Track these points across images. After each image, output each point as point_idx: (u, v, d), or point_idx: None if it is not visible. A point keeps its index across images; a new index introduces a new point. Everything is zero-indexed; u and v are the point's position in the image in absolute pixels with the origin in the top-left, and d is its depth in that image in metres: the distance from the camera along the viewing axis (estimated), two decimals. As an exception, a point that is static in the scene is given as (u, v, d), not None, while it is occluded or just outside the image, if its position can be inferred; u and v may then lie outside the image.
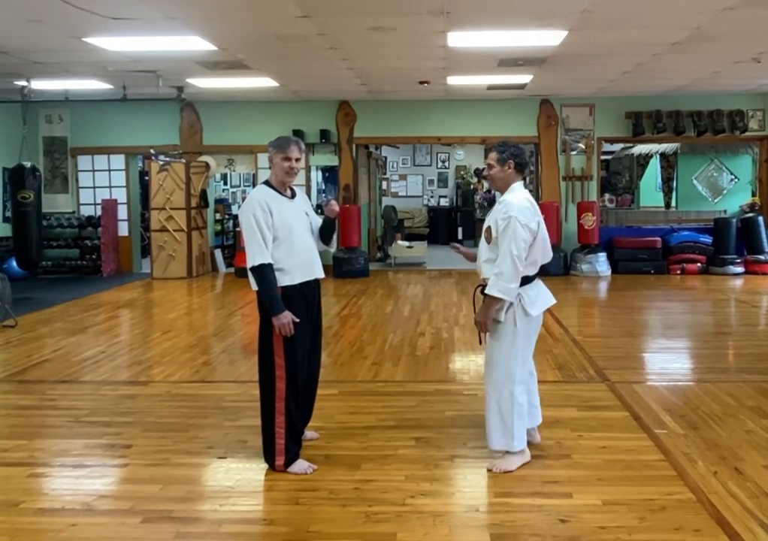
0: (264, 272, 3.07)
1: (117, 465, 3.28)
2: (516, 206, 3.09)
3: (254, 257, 3.08)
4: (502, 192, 3.24)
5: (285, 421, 3.11)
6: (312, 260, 3.27)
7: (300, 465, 3.14)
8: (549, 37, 6.23)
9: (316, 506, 2.82)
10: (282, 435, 3.10)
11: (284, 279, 3.12)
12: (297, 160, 3.20)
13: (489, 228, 3.17)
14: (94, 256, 10.27)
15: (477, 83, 8.81)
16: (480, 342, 3.36)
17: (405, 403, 4.14)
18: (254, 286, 3.17)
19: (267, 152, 3.29)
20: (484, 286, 3.19)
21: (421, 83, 8.69)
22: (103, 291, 8.85)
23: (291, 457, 3.13)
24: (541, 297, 3.22)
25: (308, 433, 3.49)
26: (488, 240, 3.16)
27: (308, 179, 10.48)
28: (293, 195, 3.28)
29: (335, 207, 3.34)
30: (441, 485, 3.02)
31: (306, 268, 3.22)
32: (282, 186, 3.23)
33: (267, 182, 3.26)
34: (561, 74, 8.11)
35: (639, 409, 3.96)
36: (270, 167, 3.26)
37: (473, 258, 3.47)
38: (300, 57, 7.03)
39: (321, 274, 3.32)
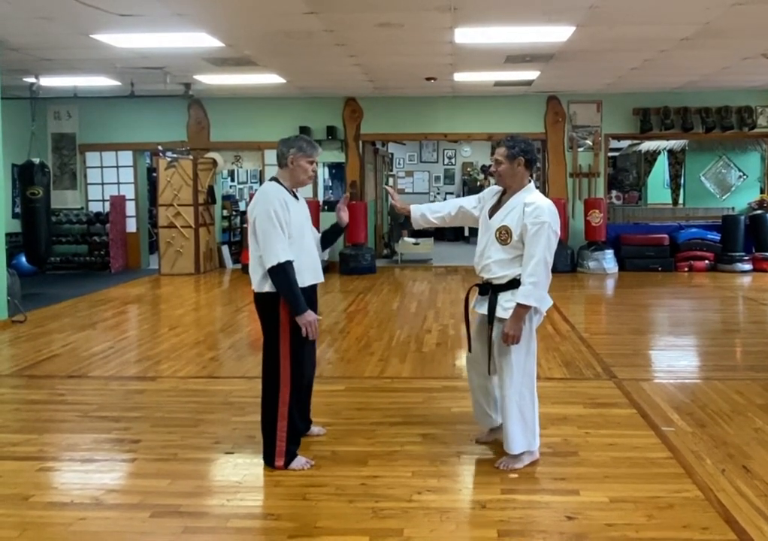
0: (288, 270, 2.94)
1: (126, 460, 3.30)
2: (548, 211, 2.99)
3: (277, 254, 2.93)
4: (510, 190, 3.12)
5: (287, 425, 3.09)
6: (318, 263, 3.24)
7: (299, 461, 3.15)
8: (557, 33, 6.21)
9: (323, 502, 2.82)
10: (283, 438, 3.09)
11: (303, 280, 3.05)
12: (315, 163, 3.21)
13: (507, 228, 3.02)
14: (102, 252, 10.32)
15: (484, 80, 8.79)
16: (470, 349, 3.29)
17: (412, 399, 4.15)
18: (257, 287, 3.05)
19: (274, 149, 3.26)
20: (487, 285, 3.13)
21: (428, 79, 8.67)
22: (111, 287, 8.89)
23: (290, 457, 3.14)
24: (546, 294, 3.17)
25: (315, 429, 3.51)
26: (505, 241, 3.02)
27: (315, 176, 10.48)
28: (297, 197, 3.23)
29: (346, 216, 3.34)
30: (448, 481, 3.02)
31: (314, 271, 3.19)
32: (295, 188, 3.19)
33: (277, 181, 3.16)
34: (569, 70, 8.08)
35: (646, 407, 3.95)
36: (283, 166, 3.15)
37: (403, 209, 3.39)
38: (307, 53, 7.03)
39: (322, 279, 3.29)
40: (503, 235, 3.04)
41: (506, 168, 3.08)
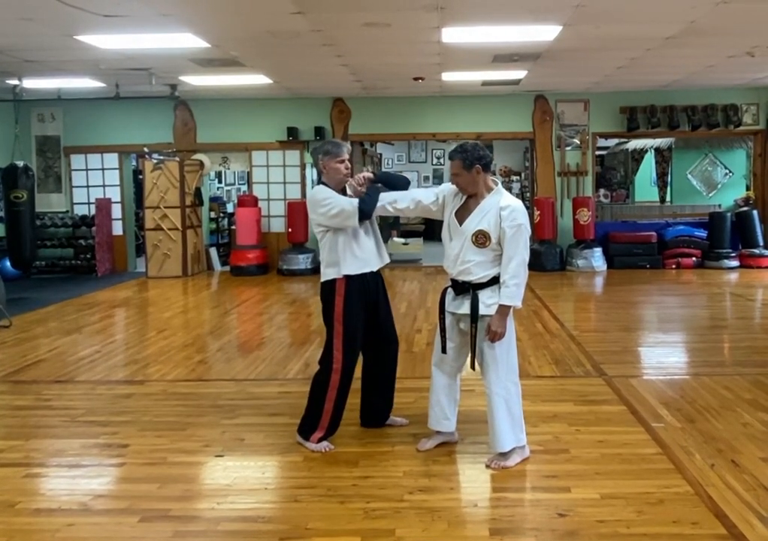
0: (365, 198, 3.27)
1: (114, 464, 3.27)
2: (522, 213, 3.09)
3: (346, 202, 3.25)
4: (475, 195, 3.15)
5: (333, 408, 3.35)
6: (373, 254, 3.45)
7: (323, 443, 3.36)
8: (544, 33, 6.22)
9: (314, 503, 2.81)
10: (327, 418, 3.35)
11: (353, 268, 3.30)
12: (348, 160, 3.42)
13: (484, 232, 3.07)
14: (88, 255, 10.23)
15: (472, 79, 8.80)
16: (444, 350, 3.25)
17: (402, 399, 4.12)
18: (323, 276, 3.33)
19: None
20: (465, 285, 3.15)
21: (416, 79, 8.67)
22: (98, 291, 8.82)
23: (326, 435, 3.38)
24: None
25: (397, 419, 3.68)
26: (483, 244, 3.08)
27: (303, 176, 10.44)
28: None
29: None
30: (439, 480, 3.01)
31: (365, 261, 3.40)
32: (337, 188, 3.38)
33: (325, 185, 3.38)
34: (556, 69, 8.11)
35: (636, 403, 3.97)
36: (321, 173, 3.43)
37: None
38: (294, 54, 7.00)
39: (375, 267, 3.46)
40: (481, 239, 3.10)
41: (465, 179, 3.14)
